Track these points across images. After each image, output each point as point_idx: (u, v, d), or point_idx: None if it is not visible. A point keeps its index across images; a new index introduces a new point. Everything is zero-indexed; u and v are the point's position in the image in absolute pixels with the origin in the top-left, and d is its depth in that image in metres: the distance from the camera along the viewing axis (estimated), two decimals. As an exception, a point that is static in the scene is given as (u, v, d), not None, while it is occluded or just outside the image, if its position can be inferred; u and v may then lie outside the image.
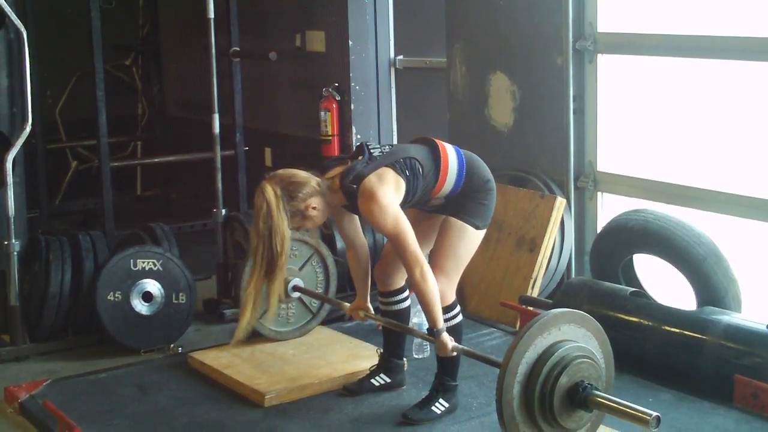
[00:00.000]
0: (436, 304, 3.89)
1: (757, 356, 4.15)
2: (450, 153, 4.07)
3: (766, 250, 4.72)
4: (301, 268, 4.81)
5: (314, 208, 3.89)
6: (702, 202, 4.88)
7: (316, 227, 4.07)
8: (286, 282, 4.71)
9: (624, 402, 3.47)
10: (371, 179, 3.88)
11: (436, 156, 4.03)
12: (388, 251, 4.31)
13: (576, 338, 3.54)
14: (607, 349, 3.64)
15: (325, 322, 5.37)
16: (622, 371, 4.52)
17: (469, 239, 4.05)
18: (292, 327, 4.94)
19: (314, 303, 4.99)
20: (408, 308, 4.42)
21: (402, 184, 3.92)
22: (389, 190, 3.88)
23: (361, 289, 4.34)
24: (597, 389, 3.50)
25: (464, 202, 4.07)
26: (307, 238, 4.80)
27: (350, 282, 5.82)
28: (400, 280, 4.32)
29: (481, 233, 4.12)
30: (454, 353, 3.97)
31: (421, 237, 4.09)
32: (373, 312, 4.38)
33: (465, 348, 4.01)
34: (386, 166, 3.91)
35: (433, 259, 4.09)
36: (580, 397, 3.46)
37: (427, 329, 4.00)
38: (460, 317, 4.17)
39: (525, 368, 3.44)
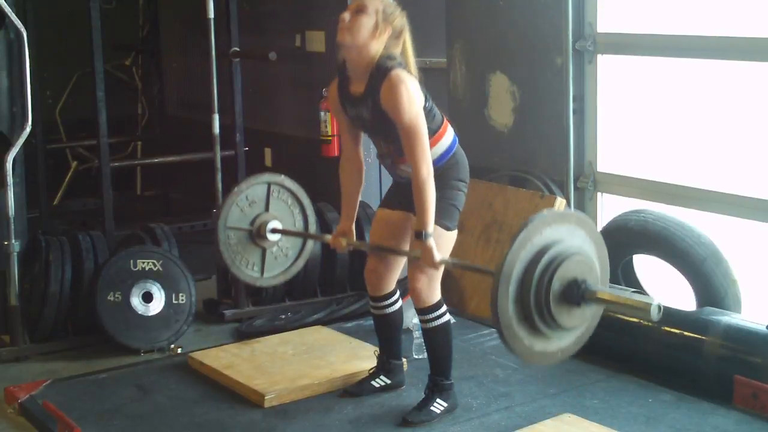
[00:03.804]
0: (432, 204, 3.85)
1: (756, 357, 4.15)
2: (449, 131, 4.06)
3: (766, 251, 4.72)
4: (267, 208, 4.54)
5: (376, 37, 3.87)
6: (702, 203, 4.89)
7: (351, 44, 3.89)
8: (263, 228, 4.50)
9: (623, 294, 3.38)
10: (405, 73, 3.88)
11: (439, 124, 4.03)
12: (370, 259, 4.29)
13: (568, 238, 3.42)
14: (602, 247, 3.52)
15: (325, 323, 5.39)
16: (621, 372, 4.54)
17: (441, 240, 3.99)
18: (293, 257, 4.66)
19: (299, 221, 4.67)
20: (400, 310, 4.39)
21: (422, 101, 3.91)
22: (417, 88, 3.89)
23: (348, 209, 4.27)
24: (593, 284, 3.38)
25: (439, 203, 3.98)
26: (255, 179, 4.56)
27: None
28: (391, 283, 4.31)
29: (452, 234, 4.06)
30: (441, 266, 3.91)
31: (396, 239, 4.14)
32: (355, 238, 4.30)
33: (454, 260, 3.95)
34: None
35: (412, 264, 4.07)
36: (576, 296, 3.35)
37: (415, 231, 3.89)
38: (447, 316, 4.15)
39: (519, 271, 3.32)
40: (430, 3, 6.26)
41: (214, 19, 5.79)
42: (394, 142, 3.97)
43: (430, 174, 3.85)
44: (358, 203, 4.31)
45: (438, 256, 3.86)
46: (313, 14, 6.76)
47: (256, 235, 4.47)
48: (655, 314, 3.20)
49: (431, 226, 3.85)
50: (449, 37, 6.02)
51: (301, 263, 4.69)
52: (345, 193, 4.28)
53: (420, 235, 3.86)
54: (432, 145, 3.96)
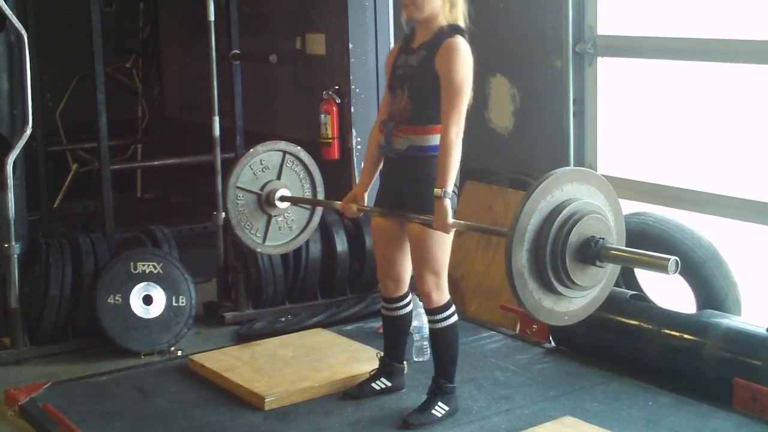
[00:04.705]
0: (455, 166, 3.87)
1: (757, 359, 4.16)
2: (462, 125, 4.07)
3: (766, 254, 4.72)
4: (279, 176, 4.56)
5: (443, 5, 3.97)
6: (702, 205, 4.89)
7: (422, 17, 3.99)
8: (273, 194, 4.52)
9: (639, 251, 3.36)
10: (467, 45, 3.98)
11: None
12: (381, 256, 4.28)
13: (582, 196, 3.42)
14: (615, 203, 3.53)
15: (326, 326, 5.39)
16: (621, 374, 4.54)
17: (439, 239, 4.00)
18: (297, 231, 4.67)
19: (308, 195, 4.69)
20: (410, 313, 4.40)
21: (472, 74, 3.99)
22: (471, 63, 3.98)
23: (366, 174, 4.28)
24: (610, 242, 3.38)
25: (427, 200, 3.96)
26: (272, 144, 4.60)
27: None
28: (404, 286, 4.31)
29: (449, 234, 4.04)
30: (454, 228, 3.90)
31: (397, 242, 4.15)
32: (366, 204, 4.28)
33: (467, 222, 3.95)
34: None
35: (417, 264, 4.07)
36: (592, 252, 3.34)
37: (435, 191, 3.85)
38: (456, 317, 4.16)
39: (532, 232, 3.32)
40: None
41: (215, 21, 5.81)
42: (415, 102, 3.99)
43: (458, 137, 3.88)
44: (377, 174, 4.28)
45: (451, 219, 3.86)
46: (314, 17, 6.77)
47: (264, 200, 4.49)
48: (672, 269, 3.21)
49: (450, 186, 3.86)
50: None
51: (303, 238, 4.69)
52: (368, 158, 4.29)
53: (438, 195, 3.85)
54: (433, 132, 3.98)
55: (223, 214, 5.66)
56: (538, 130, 5.54)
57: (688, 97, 5.01)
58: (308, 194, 4.64)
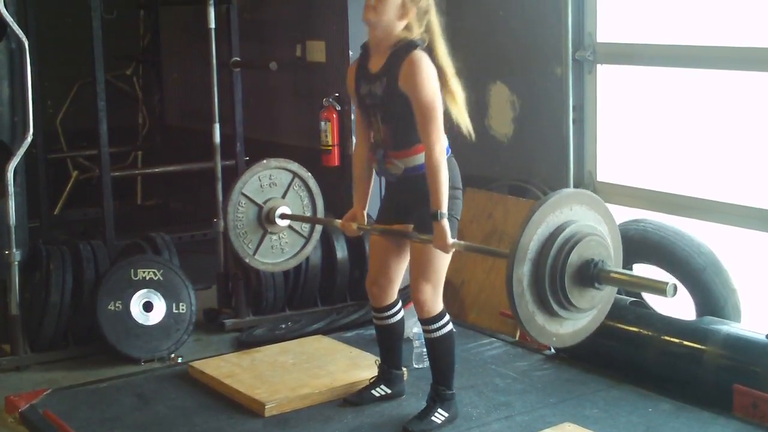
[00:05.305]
0: (445, 185, 3.85)
1: (756, 366, 4.16)
2: (445, 139, 4.04)
3: (766, 260, 4.72)
4: (284, 195, 4.60)
5: (402, 16, 3.90)
6: (701, 212, 4.89)
7: (377, 22, 3.94)
8: (273, 211, 4.55)
9: (637, 274, 3.38)
10: (426, 55, 3.91)
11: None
12: (374, 264, 4.30)
13: (586, 219, 3.42)
14: (616, 233, 3.52)
15: (326, 333, 5.39)
16: (621, 381, 4.54)
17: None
18: (288, 256, 4.71)
19: (305, 227, 4.74)
20: (402, 321, 4.40)
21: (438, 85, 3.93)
22: (435, 72, 3.91)
23: (360, 193, 4.27)
24: (609, 265, 3.37)
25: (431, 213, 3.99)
26: (285, 163, 4.63)
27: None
28: (393, 294, 4.31)
29: (455, 224, 4.03)
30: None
31: (396, 250, 4.16)
32: (366, 222, 4.29)
33: (466, 243, 3.95)
34: None
35: (415, 273, 4.06)
36: (591, 274, 3.34)
37: (432, 213, 3.86)
38: (451, 326, 4.15)
39: (535, 247, 3.32)
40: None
41: (215, 29, 5.82)
42: (393, 129, 3.97)
43: (443, 154, 3.86)
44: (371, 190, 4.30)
45: (450, 238, 3.86)
46: (314, 24, 6.77)
47: (264, 215, 4.50)
48: (670, 292, 3.20)
49: (445, 205, 3.85)
50: (449, 48, 6.01)
51: (292, 263, 4.72)
52: (357, 179, 4.29)
53: (435, 216, 3.85)
54: (422, 150, 3.94)
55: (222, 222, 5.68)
56: (538, 137, 5.54)
57: (687, 105, 5.01)
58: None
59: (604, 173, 5.36)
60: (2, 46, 5.14)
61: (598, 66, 5.30)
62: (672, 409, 4.28)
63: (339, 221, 4.34)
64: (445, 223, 3.84)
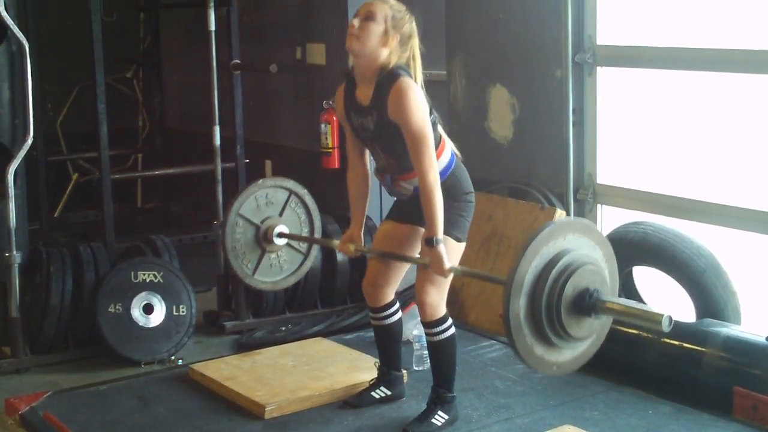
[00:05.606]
0: (440, 211, 3.85)
1: (756, 368, 4.16)
2: (447, 150, 4.06)
3: (766, 263, 4.72)
4: (281, 214, 4.62)
5: (385, 43, 3.88)
6: (701, 215, 4.89)
7: (360, 51, 3.90)
8: (271, 230, 4.57)
9: (634, 305, 3.36)
10: (411, 80, 3.89)
11: (438, 139, 4.02)
12: (373, 265, 4.31)
13: (581, 247, 3.42)
14: (612, 260, 3.52)
15: (326, 335, 5.39)
16: (621, 383, 4.54)
17: (451, 251, 4.01)
18: (287, 273, 4.74)
19: (303, 244, 4.79)
20: (399, 321, 4.41)
21: (427, 109, 3.91)
22: (423, 97, 3.89)
23: (356, 214, 4.28)
24: (605, 295, 3.37)
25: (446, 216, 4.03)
26: (281, 182, 4.66)
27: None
28: (390, 294, 4.32)
29: (461, 246, 4.08)
30: (451, 273, 3.92)
31: (399, 249, 4.16)
32: (363, 244, 4.31)
33: (463, 268, 3.96)
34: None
35: (421, 275, 4.06)
36: (587, 305, 3.34)
37: (425, 239, 3.89)
38: (453, 329, 4.16)
39: (530, 280, 3.31)
40: (431, 15, 6.28)
41: (215, 31, 5.82)
42: (395, 156, 3.98)
43: (437, 180, 3.86)
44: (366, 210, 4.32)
45: (448, 263, 3.87)
46: (314, 27, 6.79)
47: (262, 234, 4.51)
48: (666, 325, 3.20)
49: (441, 232, 3.86)
50: (449, 50, 6.04)
51: (291, 281, 4.76)
52: (353, 200, 4.30)
53: (430, 242, 3.86)
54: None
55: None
56: (538, 139, 5.55)
57: (687, 107, 5.02)
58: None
59: (604, 175, 5.36)
60: (3, 48, 5.14)
61: (598, 68, 5.30)
62: (672, 411, 4.28)
63: (337, 242, 4.38)
64: (441, 248, 3.85)
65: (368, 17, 3.89)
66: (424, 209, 3.87)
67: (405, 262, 4.21)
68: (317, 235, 4.71)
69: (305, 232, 4.67)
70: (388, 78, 3.89)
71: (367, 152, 4.22)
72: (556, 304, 3.31)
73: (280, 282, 4.74)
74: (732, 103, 4.80)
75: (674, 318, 3.22)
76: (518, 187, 5.58)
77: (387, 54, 3.90)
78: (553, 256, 3.34)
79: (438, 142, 4.00)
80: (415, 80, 3.94)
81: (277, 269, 4.69)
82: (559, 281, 3.31)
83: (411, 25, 3.97)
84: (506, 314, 3.27)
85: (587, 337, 3.46)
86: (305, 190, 4.67)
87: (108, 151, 5.70)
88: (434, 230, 3.85)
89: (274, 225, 4.57)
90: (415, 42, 3.99)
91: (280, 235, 4.57)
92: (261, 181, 4.56)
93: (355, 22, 3.91)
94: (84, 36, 5.63)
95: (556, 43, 5.32)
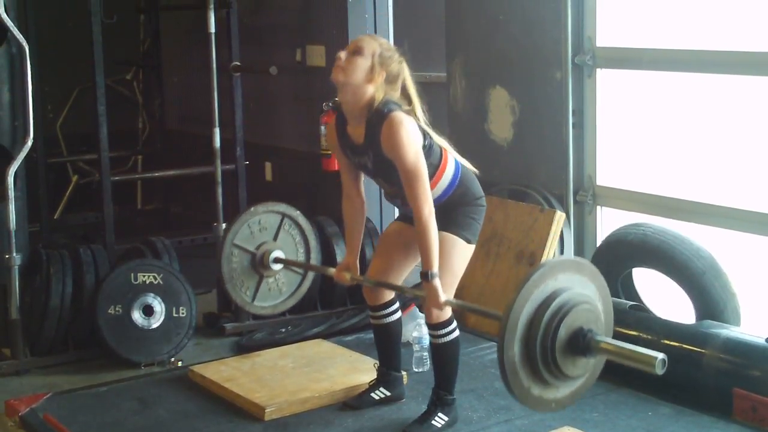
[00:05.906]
0: (435, 245, 3.86)
1: (756, 370, 4.16)
2: (450, 162, 4.08)
3: (766, 264, 4.73)
4: (275, 238, 4.63)
5: (371, 80, 3.88)
6: (701, 216, 4.89)
7: (345, 83, 3.91)
8: (267, 255, 4.58)
9: (627, 346, 3.35)
10: (403, 114, 3.89)
11: (439, 158, 4.04)
12: (374, 264, 4.32)
13: (573, 285, 3.40)
14: (605, 292, 3.50)
15: (326, 337, 5.40)
16: (621, 385, 4.54)
17: (461, 252, 4.04)
18: (286, 295, 4.75)
19: (302, 259, 4.77)
20: (399, 320, 4.41)
21: (421, 141, 3.92)
22: (416, 129, 3.90)
23: (352, 242, 4.29)
24: (599, 334, 3.37)
25: (454, 216, 4.06)
26: (273, 206, 4.66)
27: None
28: (390, 292, 4.33)
29: (471, 248, 4.11)
30: (447, 307, 3.94)
31: (405, 250, 4.17)
32: (359, 273, 4.31)
33: (459, 302, 3.97)
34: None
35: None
36: (581, 345, 3.34)
37: (421, 273, 3.90)
38: (457, 332, 4.17)
39: (523, 325, 3.30)
40: (430, 17, 6.29)
41: (215, 33, 5.83)
42: (400, 185, 3.98)
43: (431, 214, 3.87)
44: (362, 237, 4.35)
45: (443, 297, 3.88)
46: (314, 29, 6.79)
47: (258, 260, 4.53)
48: (659, 368, 3.21)
49: (436, 266, 3.87)
50: (449, 52, 6.04)
51: (291, 302, 4.78)
52: (348, 229, 4.32)
53: (426, 276, 3.88)
54: (437, 180, 4.00)
55: (224, 225, 5.69)
56: (538, 141, 5.55)
57: (687, 109, 5.02)
58: (302, 259, 4.70)
59: (604, 177, 5.36)
60: (2, 50, 5.15)
61: (598, 70, 5.30)
62: (671, 412, 4.28)
63: (333, 270, 4.38)
64: (437, 282, 3.86)
65: (356, 52, 3.91)
66: (419, 243, 3.89)
67: (400, 293, 4.27)
68: (313, 254, 4.74)
69: (301, 253, 4.71)
70: (378, 115, 3.89)
71: (362, 178, 4.24)
72: (551, 347, 3.32)
73: (279, 305, 4.77)
74: (731, 105, 4.80)
75: (665, 359, 3.22)
76: (518, 189, 5.58)
77: (372, 91, 3.91)
78: (544, 299, 3.34)
79: (440, 157, 4.02)
80: (417, 119, 3.96)
81: (276, 293, 4.73)
82: (552, 324, 3.32)
83: (400, 66, 3.96)
84: (501, 362, 3.29)
85: (584, 374, 3.48)
86: (297, 212, 4.69)
87: (108, 152, 5.70)
88: (429, 264, 3.87)
89: (269, 250, 4.58)
90: (408, 80, 3.99)
91: (276, 260, 4.61)
92: (252, 208, 4.58)
93: (342, 55, 3.93)
94: (84, 38, 5.64)
95: (555, 44, 5.32)
